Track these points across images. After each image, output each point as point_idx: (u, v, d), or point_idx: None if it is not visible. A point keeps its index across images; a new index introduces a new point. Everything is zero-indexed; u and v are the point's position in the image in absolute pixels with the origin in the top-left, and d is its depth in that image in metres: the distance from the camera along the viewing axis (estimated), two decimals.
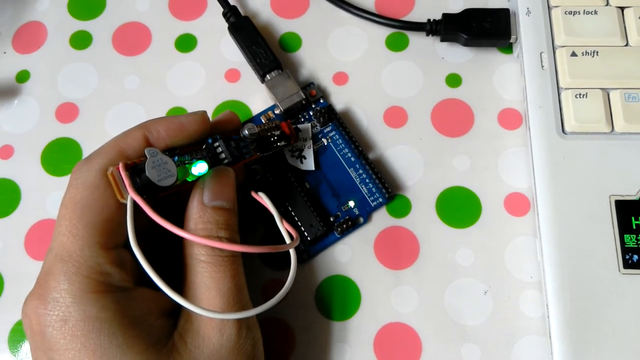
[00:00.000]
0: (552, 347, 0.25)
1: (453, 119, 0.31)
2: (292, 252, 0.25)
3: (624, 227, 0.26)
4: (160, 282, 0.21)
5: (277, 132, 0.28)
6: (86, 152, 0.32)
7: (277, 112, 0.31)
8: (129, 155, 0.24)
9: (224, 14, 0.33)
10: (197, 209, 0.24)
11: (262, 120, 0.31)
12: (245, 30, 0.32)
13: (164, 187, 0.22)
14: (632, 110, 0.28)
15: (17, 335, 0.28)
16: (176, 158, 0.24)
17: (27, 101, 0.33)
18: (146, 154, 0.23)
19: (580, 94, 0.28)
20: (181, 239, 0.24)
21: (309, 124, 0.31)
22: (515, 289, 0.28)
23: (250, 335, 0.24)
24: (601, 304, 0.25)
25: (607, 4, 0.30)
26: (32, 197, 0.31)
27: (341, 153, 0.30)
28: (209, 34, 0.34)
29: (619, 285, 0.25)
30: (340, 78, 0.32)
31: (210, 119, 0.26)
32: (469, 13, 0.31)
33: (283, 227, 0.26)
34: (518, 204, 0.29)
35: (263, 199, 0.27)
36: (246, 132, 0.27)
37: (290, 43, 0.33)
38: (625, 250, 0.25)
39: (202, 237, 0.23)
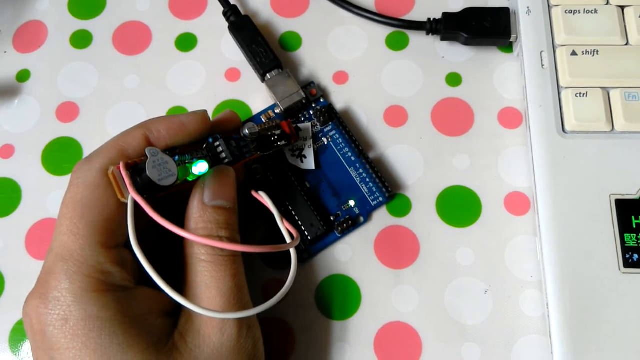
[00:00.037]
0: (552, 347, 0.25)
1: (453, 118, 0.31)
2: (292, 251, 0.25)
3: (624, 226, 0.26)
4: (160, 282, 0.21)
5: (278, 132, 0.28)
6: (87, 152, 0.32)
7: (277, 111, 0.31)
8: (130, 154, 0.24)
9: (224, 13, 0.33)
10: (198, 209, 0.24)
11: (263, 120, 0.31)
12: (246, 30, 0.32)
13: (164, 186, 0.22)
14: (632, 109, 0.28)
15: (18, 335, 0.28)
16: (177, 157, 0.24)
17: (27, 100, 0.33)
18: (147, 153, 0.23)
19: (580, 93, 0.28)
20: (182, 238, 0.24)
21: (309, 123, 0.31)
22: (516, 289, 0.28)
23: (250, 335, 0.24)
24: (601, 303, 0.25)
25: (607, 3, 0.30)
26: (33, 197, 0.31)
27: (341, 152, 0.30)
28: (209, 33, 0.34)
29: (619, 284, 0.25)
30: (341, 77, 0.32)
31: (211, 119, 0.26)
32: (469, 12, 0.31)
33: (283, 227, 0.26)
34: (518, 203, 0.29)
35: (263, 198, 0.27)
36: (246, 131, 0.27)
37: (290, 42, 0.33)
38: (625, 249, 0.25)
39: (202, 236, 0.23)
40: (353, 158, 0.30)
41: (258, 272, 0.29)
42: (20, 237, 0.30)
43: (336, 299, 0.28)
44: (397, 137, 0.31)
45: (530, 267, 0.28)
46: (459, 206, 0.29)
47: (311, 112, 0.31)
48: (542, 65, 0.29)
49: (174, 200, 0.25)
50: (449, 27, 0.31)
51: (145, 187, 0.22)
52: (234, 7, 0.33)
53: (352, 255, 0.29)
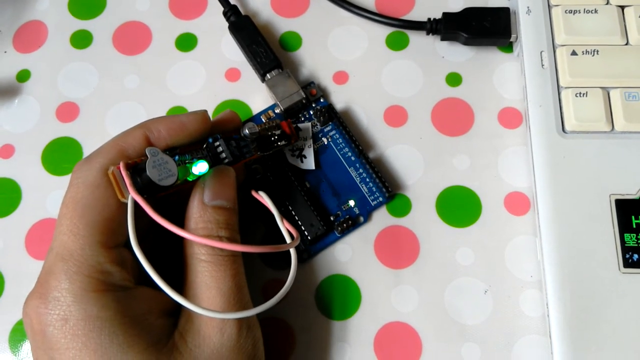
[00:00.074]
0: (552, 347, 0.25)
1: (453, 118, 0.31)
2: (292, 251, 0.25)
3: (624, 226, 0.26)
4: (160, 282, 0.21)
5: (278, 132, 0.28)
6: (87, 152, 0.32)
7: (277, 111, 0.31)
8: (130, 154, 0.24)
9: (225, 13, 0.33)
10: (198, 209, 0.24)
11: (263, 120, 0.31)
12: (246, 30, 0.32)
13: (164, 186, 0.22)
14: (632, 109, 0.28)
15: (17, 335, 0.28)
16: (177, 157, 0.24)
17: (27, 100, 0.33)
18: (147, 153, 0.23)
19: (580, 93, 0.28)
20: (182, 238, 0.24)
21: (309, 123, 0.31)
22: (516, 288, 0.28)
23: (250, 335, 0.24)
24: (601, 303, 0.25)
25: (608, 3, 0.30)
26: (33, 197, 0.31)
27: (341, 152, 0.30)
28: (209, 33, 0.34)
29: (619, 284, 0.25)
30: (341, 77, 0.32)
31: (211, 118, 0.26)
32: (469, 12, 0.31)
33: (283, 227, 0.26)
34: (518, 203, 0.29)
35: (263, 198, 0.27)
36: (247, 131, 0.27)
37: (290, 42, 0.33)
38: (625, 249, 0.25)
39: (202, 236, 0.23)
40: (353, 158, 0.30)
41: (258, 272, 0.29)
42: (20, 237, 0.30)
43: (336, 299, 0.28)
44: (397, 137, 0.31)
45: (530, 267, 0.28)
46: (459, 206, 0.29)
47: (311, 112, 0.31)
48: (542, 65, 0.29)
49: (174, 200, 0.25)
50: (449, 27, 0.31)
51: (145, 187, 0.22)
52: (234, 7, 0.33)
53: (352, 255, 0.29)
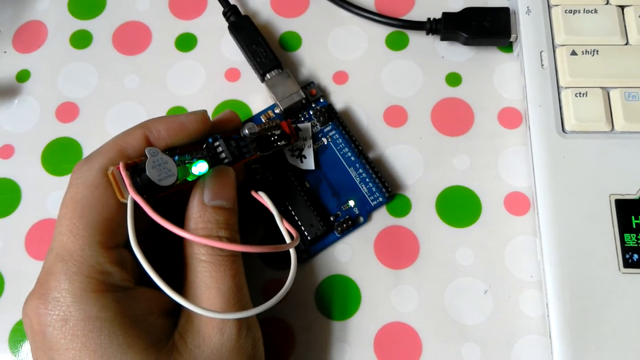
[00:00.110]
0: (552, 347, 0.25)
1: (453, 118, 0.31)
2: (292, 251, 0.25)
3: (624, 226, 0.26)
4: (160, 282, 0.21)
5: (277, 132, 0.28)
6: (86, 152, 0.32)
7: (277, 111, 0.31)
8: (130, 154, 0.24)
9: (224, 13, 0.33)
10: (198, 209, 0.24)
11: (262, 120, 0.31)
12: (245, 30, 0.32)
13: (164, 186, 0.22)
14: (632, 109, 0.28)
15: (17, 335, 0.28)
16: (176, 157, 0.24)
17: (27, 101, 0.33)
18: (146, 153, 0.23)
19: (580, 93, 0.28)
20: (181, 238, 0.24)
21: (309, 123, 0.31)
22: (516, 289, 0.28)
23: (250, 335, 0.24)
24: (601, 303, 0.25)
25: (607, 3, 0.30)
26: (33, 197, 0.31)
27: (341, 152, 0.30)
28: (209, 33, 0.34)
29: (619, 284, 0.25)
30: (340, 77, 0.32)
31: (211, 119, 0.26)
32: (468, 12, 0.31)
33: (283, 227, 0.26)
34: (518, 203, 0.29)
35: (263, 198, 0.27)
36: (246, 131, 0.27)
37: (290, 42, 0.33)
38: (625, 249, 0.25)
39: (202, 236, 0.23)
40: (353, 158, 0.30)
41: (258, 272, 0.29)
42: (19, 238, 0.30)
43: (336, 299, 0.28)
44: (396, 137, 0.31)
45: (530, 267, 0.28)
46: (459, 206, 0.29)
47: (311, 112, 0.31)
48: (542, 65, 0.29)
49: (173, 200, 0.25)
50: (449, 27, 0.31)
51: (144, 187, 0.22)
52: (234, 7, 0.33)
53: (351, 255, 0.29)
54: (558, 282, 0.25)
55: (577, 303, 0.25)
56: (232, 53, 0.33)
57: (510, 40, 0.31)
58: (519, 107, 0.31)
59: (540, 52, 0.29)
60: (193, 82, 0.33)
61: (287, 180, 0.29)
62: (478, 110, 0.31)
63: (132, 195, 0.22)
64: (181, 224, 0.24)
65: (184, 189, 0.25)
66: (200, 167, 0.24)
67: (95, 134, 0.32)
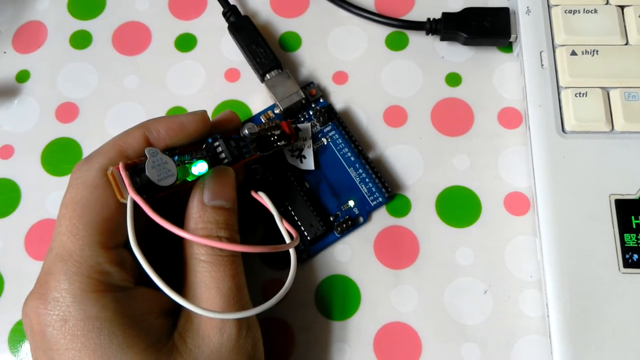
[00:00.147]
0: (552, 347, 0.25)
1: (453, 118, 0.31)
2: (292, 251, 0.25)
3: (624, 226, 0.26)
4: (159, 282, 0.21)
5: (277, 132, 0.28)
6: (86, 152, 0.32)
7: (276, 111, 0.31)
8: (129, 155, 0.24)
9: (224, 14, 0.33)
10: (197, 209, 0.24)
11: (262, 120, 0.31)
12: (245, 30, 0.32)
13: (164, 186, 0.22)
14: (632, 109, 0.28)
15: (17, 335, 0.28)
16: (176, 158, 0.24)
17: (27, 101, 0.33)
18: (146, 153, 0.23)
19: (580, 93, 0.28)
20: (181, 238, 0.24)
21: (309, 124, 0.31)
22: (515, 288, 0.28)
23: (250, 335, 0.24)
24: (601, 303, 0.25)
25: (607, 3, 0.30)
26: (32, 197, 0.31)
27: (341, 152, 0.30)
28: (209, 33, 0.34)
29: (619, 284, 0.25)
30: (340, 77, 0.32)
31: (210, 119, 0.26)
32: (468, 12, 0.31)
33: (283, 227, 0.26)
34: (518, 203, 0.29)
35: (263, 198, 0.27)
36: (246, 131, 0.27)
37: (290, 42, 0.33)
38: (625, 249, 0.25)
39: (202, 236, 0.23)
40: (352, 158, 0.30)
41: (257, 272, 0.29)
42: (19, 238, 0.30)
43: (336, 299, 0.28)
44: (396, 137, 0.31)
45: (530, 267, 0.28)
46: (459, 206, 0.29)
47: (311, 112, 0.31)
48: (542, 65, 0.29)
49: (173, 200, 0.25)
50: (449, 27, 0.31)
51: (144, 187, 0.22)
52: (234, 7, 0.33)
53: (351, 255, 0.29)
54: (558, 282, 0.25)
55: (577, 303, 0.25)
56: (231, 53, 0.33)
57: (510, 40, 0.31)
58: (518, 107, 0.31)
59: (540, 52, 0.29)
60: (193, 82, 0.33)
61: (287, 180, 0.29)
62: (478, 110, 0.31)
63: (132, 195, 0.22)
64: (181, 224, 0.24)
65: (184, 189, 0.25)
66: (200, 167, 0.24)
67: (95, 134, 0.32)
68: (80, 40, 0.34)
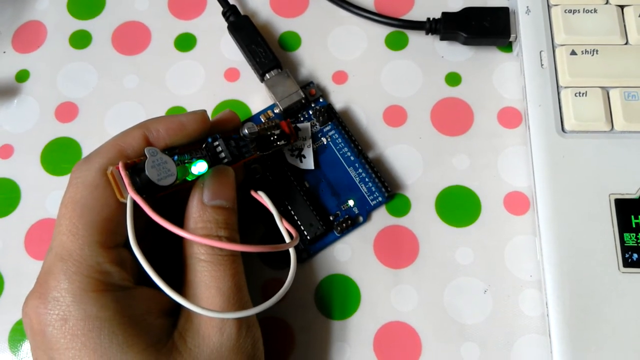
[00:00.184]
0: (552, 346, 0.25)
1: (453, 117, 0.31)
2: (291, 251, 0.25)
3: (623, 225, 0.26)
4: (159, 282, 0.21)
5: (277, 131, 0.28)
6: (86, 152, 0.32)
7: (276, 111, 0.31)
8: (129, 154, 0.24)
9: (224, 13, 0.33)
10: (197, 208, 0.24)
11: (262, 120, 0.31)
12: (245, 30, 0.32)
13: (163, 186, 0.22)
14: (632, 108, 0.28)
15: (17, 335, 0.28)
16: (176, 157, 0.24)
17: (26, 101, 0.33)
18: (146, 153, 0.23)
19: (579, 93, 0.28)
20: (181, 238, 0.24)
21: (309, 123, 0.31)
22: (515, 288, 0.28)
23: (250, 335, 0.24)
24: (601, 302, 0.25)
25: (607, 3, 0.30)
26: (32, 197, 0.31)
27: (341, 152, 0.30)
28: (209, 33, 0.34)
29: (619, 284, 0.25)
30: (340, 77, 0.32)
31: (210, 118, 0.26)
32: (468, 12, 0.31)
33: (283, 226, 0.26)
34: (518, 203, 0.29)
35: (263, 198, 0.27)
36: (246, 131, 0.27)
37: (289, 42, 0.33)
38: (625, 249, 0.25)
39: (201, 236, 0.23)
40: (352, 158, 0.30)
41: (257, 271, 0.29)
42: (19, 237, 0.30)
43: (335, 298, 0.28)
44: (396, 137, 0.31)
45: (530, 266, 0.28)
46: (459, 206, 0.29)
47: (310, 112, 0.31)
48: (542, 65, 0.29)
49: (173, 200, 0.25)
50: (449, 27, 0.31)
51: (144, 187, 0.22)
52: (233, 7, 0.33)
53: (351, 255, 0.29)
54: (557, 282, 0.25)
55: (576, 302, 0.25)
56: (231, 53, 0.33)
57: (510, 40, 0.31)
58: (518, 106, 0.31)
59: (540, 52, 0.29)
60: (192, 82, 0.33)
61: (287, 180, 0.29)
62: (478, 110, 0.31)
63: (132, 195, 0.22)
64: (181, 223, 0.24)
65: (184, 188, 0.25)
66: (199, 167, 0.24)
67: (94, 133, 0.32)
68: (80, 40, 0.34)
